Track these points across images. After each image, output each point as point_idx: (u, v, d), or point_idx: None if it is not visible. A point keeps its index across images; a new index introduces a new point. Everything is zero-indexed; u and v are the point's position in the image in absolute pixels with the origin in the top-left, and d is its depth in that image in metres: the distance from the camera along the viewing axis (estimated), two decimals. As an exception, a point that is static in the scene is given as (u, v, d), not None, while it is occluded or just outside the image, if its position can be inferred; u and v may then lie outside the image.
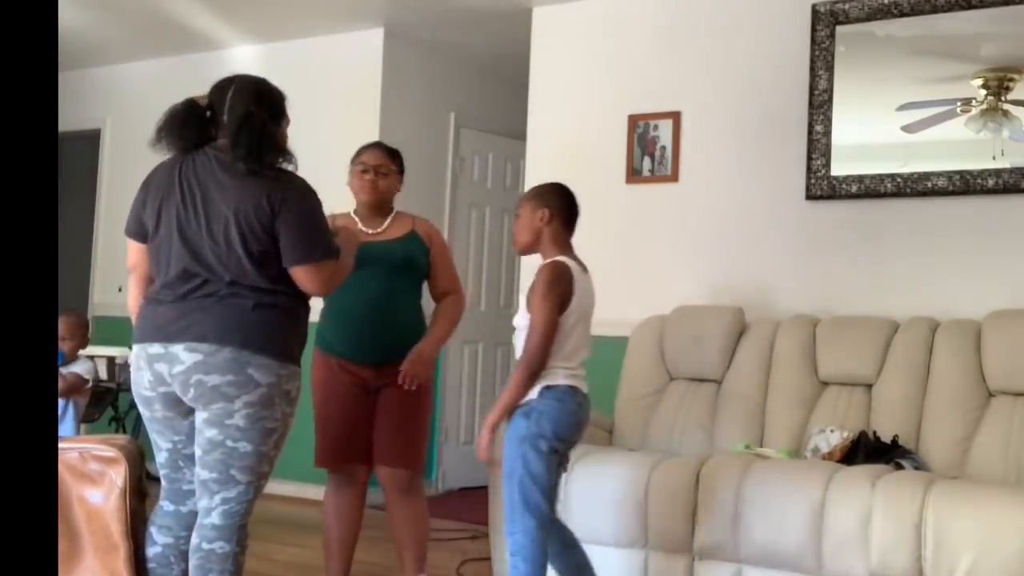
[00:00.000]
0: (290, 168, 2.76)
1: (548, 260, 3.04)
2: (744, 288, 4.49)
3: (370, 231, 3.51)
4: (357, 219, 3.55)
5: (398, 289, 3.49)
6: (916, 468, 3.54)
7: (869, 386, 3.93)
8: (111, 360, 5.76)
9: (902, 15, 4.28)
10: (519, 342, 3.00)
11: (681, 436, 4.12)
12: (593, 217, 5.03)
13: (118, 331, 6.48)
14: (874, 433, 3.73)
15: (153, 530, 2.82)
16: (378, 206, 3.57)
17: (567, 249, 3.10)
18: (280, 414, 2.70)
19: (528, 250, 3.14)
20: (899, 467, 3.50)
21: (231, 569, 2.66)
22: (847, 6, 4.39)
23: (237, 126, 2.70)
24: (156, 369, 2.69)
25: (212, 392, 2.63)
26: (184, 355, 2.63)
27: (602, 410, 4.34)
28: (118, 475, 2.96)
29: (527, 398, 2.94)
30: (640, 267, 4.90)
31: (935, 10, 4.21)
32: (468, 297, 6.45)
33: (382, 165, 3.58)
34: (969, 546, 2.98)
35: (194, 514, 2.77)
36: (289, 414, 2.75)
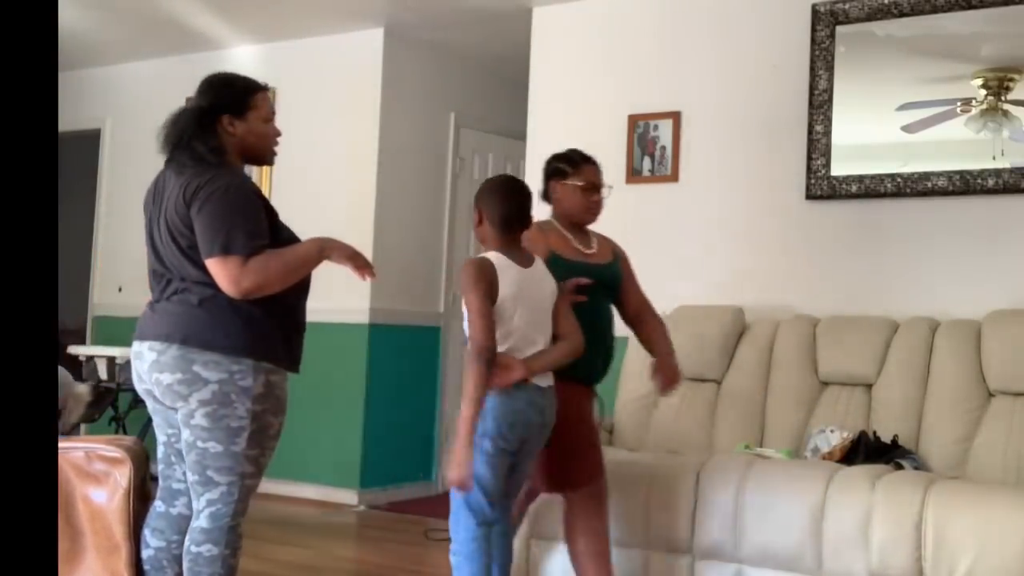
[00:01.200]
0: (214, 160, 2.68)
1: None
2: (744, 288, 4.49)
3: (587, 251, 3.25)
4: (569, 235, 3.25)
5: (612, 311, 3.33)
6: (916, 468, 3.54)
7: (869, 386, 3.93)
8: (111, 360, 5.76)
9: (902, 15, 4.28)
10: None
11: (681, 436, 4.12)
12: (593, 217, 5.06)
13: (118, 331, 6.48)
14: (874, 433, 3.73)
15: (147, 532, 2.82)
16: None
17: (503, 245, 2.94)
18: (245, 411, 2.62)
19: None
20: (899, 467, 3.50)
21: (221, 572, 2.65)
22: (847, 6, 4.39)
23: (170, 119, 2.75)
24: (136, 366, 2.76)
25: (169, 391, 2.66)
26: (147, 354, 2.70)
27: (602, 410, 4.35)
28: (123, 476, 2.97)
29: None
30: (640, 267, 4.87)
31: (935, 10, 4.21)
32: (468, 297, 6.49)
33: (602, 183, 3.28)
34: (969, 546, 2.98)
35: (184, 517, 2.77)
36: (262, 412, 2.65)
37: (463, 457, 2.72)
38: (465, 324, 2.87)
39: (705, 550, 3.43)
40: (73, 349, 5.90)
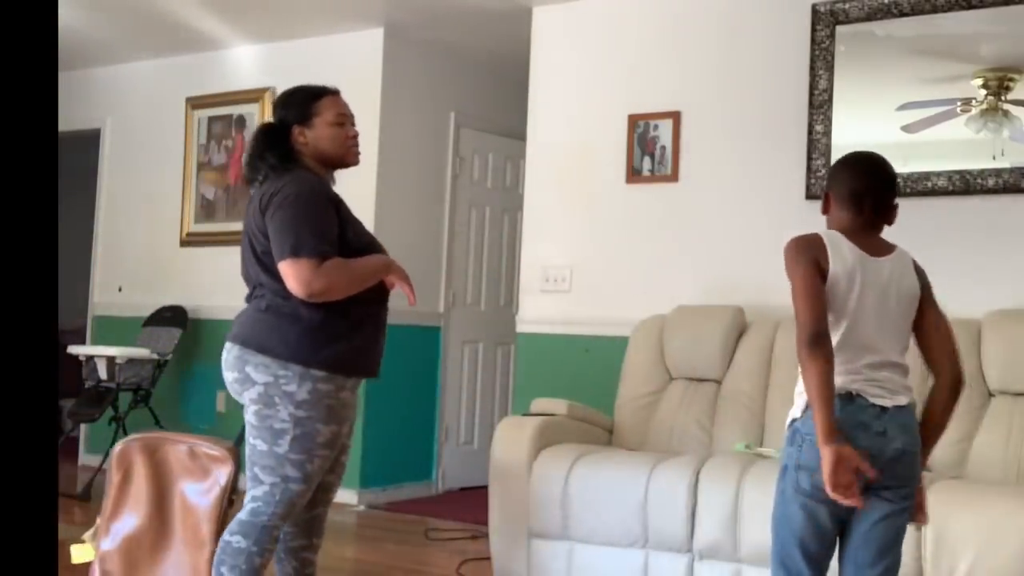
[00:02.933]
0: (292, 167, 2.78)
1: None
2: (744, 288, 4.49)
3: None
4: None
5: None
6: (916, 468, 3.53)
7: (869, 386, 3.93)
8: (111, 360, 5.76)
9: (902, 15, 4.28)
10: None
11: (681, 436, 4.12)
12: (593, 217, 5.06)
13: (118, 331, 6.49)
14: (874, 433, 3.73)
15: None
16: None
17: (854, 230, 2.39)
18: (287, 415, 2.67)
19: None
20: (899, 467, 3.49)
21: (243, 567, 2.66)
22: (847, 6, 4.39)
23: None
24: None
25: (231, 389, 2.79)
26: (224, 353, 2.82)
27: (602, 410, 4.35)
28: (222, 474, 3.05)
29: (790, 414, 2.32)
30: (640, 267, 4.90)
31: (935, 10, 4.21)
32: (468, 296, 6.51)
33: None
34: (969, 546, 2.98)
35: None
36: (307, 418, 2.68)
37: (830, 457, 2.10)
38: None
39: (704, 550, 3.43)
40: (73, 349, 5.90)
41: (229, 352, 2.77)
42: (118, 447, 3.24)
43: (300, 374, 2.68)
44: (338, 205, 2.79)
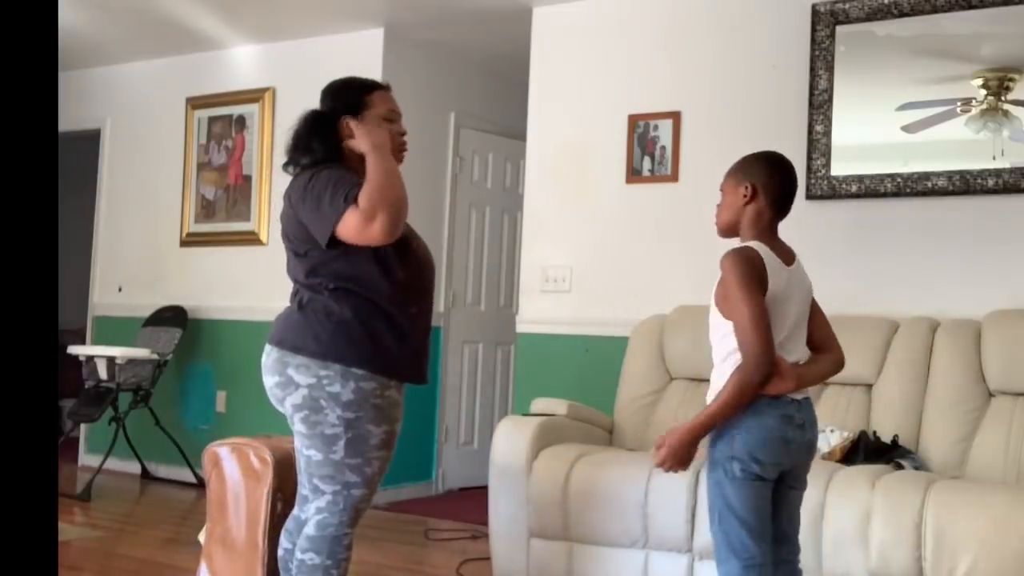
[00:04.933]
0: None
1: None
2: (744, 288, 4.48)
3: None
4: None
5: None
6: (916, 468, 3.54)
7: (869, 386, 3.93)
8: (111, 360, 5.76)
9: (902, 15, 4.28)
10: (715, 344, 2.50)
11: (681, 436, 4.12)
12: (593, 217, 5.07)
13: (118, 331, 6.49)
14: (874, 433, 3.73)
15: (283, 533, 2.80)
16: None
17: (769, 234, 2.53)
18: (336, 418, 2.56)
19: (728, 232, 2.60)
20: (899, 467, 3.50)
21: None
22: (847, 6, 4.39)
23: None
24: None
25: (272, 395, 2.67)
26: (263, 357, 2.70)
27: (602, 410, 4.35)
28: (266, 477, 3.16)
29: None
30: (640, 267, 4.90)
31: (935, 10, 4.21)
32: (468, 297, 6.51)
33: None
34: (969, 546, 2.98)
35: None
36: (356, 419, 2.57)
37: (679, 441, 2.40)
38: (718, 333, 2.45)
39: (704, 549, 3.43)
40: (73, 349, 5.90)
41: (268, 355, 2.66)
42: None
43: (342, 373, 2.57)
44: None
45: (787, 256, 2.52)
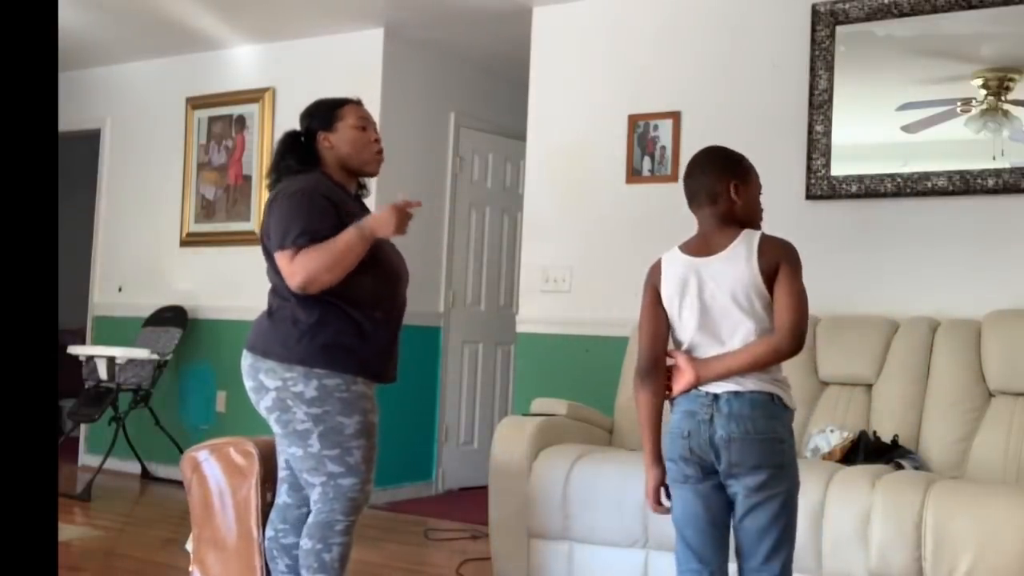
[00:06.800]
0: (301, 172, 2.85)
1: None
2: (744, 288, 4.48)
3: None
4: None
5: None
6: (916, 468, 3.54)
7: (869, 386, 3.93)
8: (111, 360, 5.76)
9: (902, 15, 4.28)
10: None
11: (681, 436, 4.12)
12: (593, 217, 5.06)
13: (118, 331, 6.49)
14: (874, 433, 3.73)
15: (267, 524, 2.97)
16: None
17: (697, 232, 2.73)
18: (304, 415, 2.72)
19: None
20: (899, 467, 3.50)
21: (314, 566, 2.75)
22: (847, 6, 4.39)
23: None
24: None
25: (251, 399, 2.83)
26: (242, 361, 2.86)
27: (602, 410, 4.35)
28: (251, 469, 3.18)
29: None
30: (640, 267, 4.86)
31: (935, 10, 4.21)
32: (468, 297, 6.51)
33: None
34: (969, 546, 2.98)
35: (287, 505, 2.90)
36: (324, 413, 2.72)
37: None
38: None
39: (705, 550, 3.43)
40: (73, 349, 5.90)
41: (244, 360, 2.83)
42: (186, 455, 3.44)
43: (304, 374, 2.73)
44: (338, 206, 2.79)
45: (704, 247, 2.61)
